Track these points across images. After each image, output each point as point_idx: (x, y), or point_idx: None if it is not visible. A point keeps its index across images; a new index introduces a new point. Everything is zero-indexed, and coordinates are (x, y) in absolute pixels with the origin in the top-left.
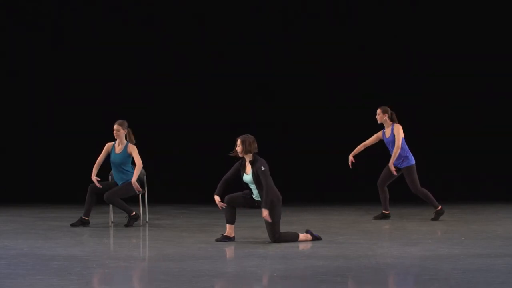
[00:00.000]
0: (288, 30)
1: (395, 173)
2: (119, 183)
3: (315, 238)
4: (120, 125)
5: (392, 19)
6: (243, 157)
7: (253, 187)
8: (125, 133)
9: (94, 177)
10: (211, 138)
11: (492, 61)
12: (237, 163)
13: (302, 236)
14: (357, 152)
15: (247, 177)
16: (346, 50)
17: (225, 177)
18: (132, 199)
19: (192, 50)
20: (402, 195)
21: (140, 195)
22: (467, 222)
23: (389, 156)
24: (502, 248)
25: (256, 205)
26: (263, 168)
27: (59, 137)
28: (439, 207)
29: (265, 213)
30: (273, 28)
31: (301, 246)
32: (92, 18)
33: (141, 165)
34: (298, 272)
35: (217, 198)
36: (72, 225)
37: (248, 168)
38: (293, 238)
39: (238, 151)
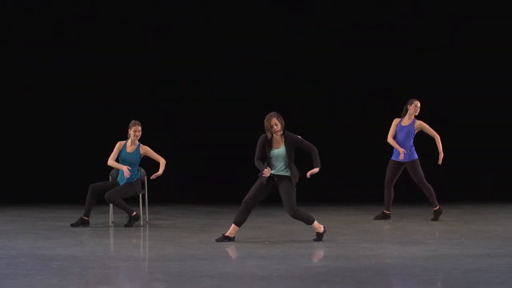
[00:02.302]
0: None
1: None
2: (121, 183)
3: (321, 236)
4: (139, 125)
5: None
6: (267, 134)
7: (279, 161)
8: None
9: (122, 166)
10: (212, 138)
11: (493, 60)
12: (260, 141)
13: (316, 223)
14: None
15: (278, 151)
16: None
17: (257, 157)
18: (132, 199)
19: (192, 51)
20: (403, 195)
21: (140, 195)
22: (467, 222)
23: (391, 151)
24: (502, 248)
25: (276, 180)
26: (300, 137)
27: (59, 137)
28: (438, 207)
29: (316, 170)
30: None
31: (301, 246)
32: (95, 21)
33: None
34: (298, 272)
35: (267, 169)
36: (72, 225)
37: (278, 143)
38: (308, 219)
39: (278, 130)
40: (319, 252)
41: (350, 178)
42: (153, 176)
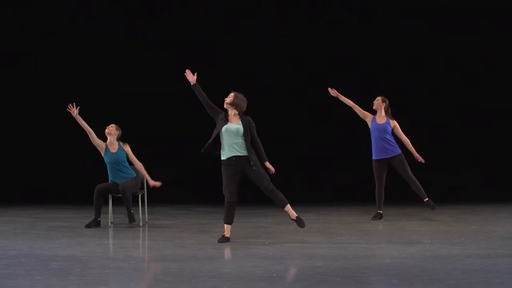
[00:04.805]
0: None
1: (420, 159)
2: (118, 182)
3: (301, 221)
4: (115, 125)
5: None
6: (226, 110)
7: (234, 137)
8: (117, 135)
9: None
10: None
11: (492, 59)
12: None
13: (289, 208)
14: (345, 100)
15: (235, 125)
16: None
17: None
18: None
19: (191, 53)
20: (402, 194)
21: (140, 195)
22: (466, 222)
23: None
24: (502, 248)
25: (235, 161)
26: (253, 125)
27: (59, 138)
28: (427, 198)
29: (269, 165)
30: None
31: (301, 246)
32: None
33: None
34: (298, 272)
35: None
36: (87, 226)
37: (235, 118)
38: (282, 201)
39: (227, 101)
40: (318, 252)
41: (350, 178)
42: (154, 184)
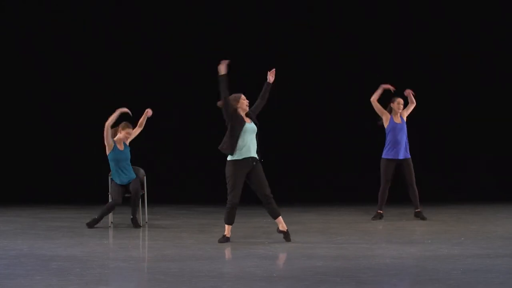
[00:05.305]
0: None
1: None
2: (126, 181)
3: (288, 236)
4: (131, 127)
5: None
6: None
7: (253, 137)
8: None
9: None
10: (211, 138)
11: (493, 60)
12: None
13: (281, 219)
14: (377, 96)
15: (251, 125)
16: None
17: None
18: (129, 200)
19: (189, 52)
20: (402, 194)
21: (140, 195)
22: (466, 222)
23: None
24: (502, 248)
25: (252, 163)
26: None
27: (59, 138)
28: (420, 209)
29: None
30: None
31: (301, 246)
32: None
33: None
34: (298, 272)
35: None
36: (89, 225)
37: (247, 119)
38: (277, 212)
39: (246, 103)
40: (318, 252)
41: (350, 178)
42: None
